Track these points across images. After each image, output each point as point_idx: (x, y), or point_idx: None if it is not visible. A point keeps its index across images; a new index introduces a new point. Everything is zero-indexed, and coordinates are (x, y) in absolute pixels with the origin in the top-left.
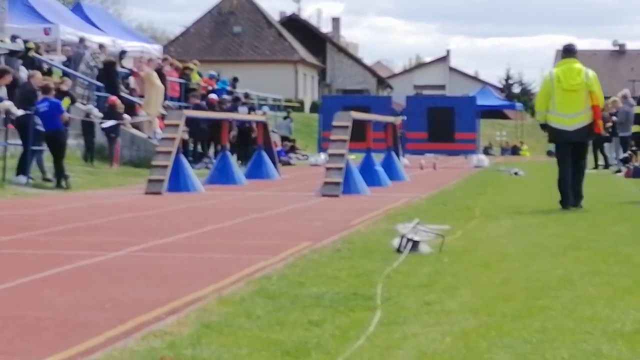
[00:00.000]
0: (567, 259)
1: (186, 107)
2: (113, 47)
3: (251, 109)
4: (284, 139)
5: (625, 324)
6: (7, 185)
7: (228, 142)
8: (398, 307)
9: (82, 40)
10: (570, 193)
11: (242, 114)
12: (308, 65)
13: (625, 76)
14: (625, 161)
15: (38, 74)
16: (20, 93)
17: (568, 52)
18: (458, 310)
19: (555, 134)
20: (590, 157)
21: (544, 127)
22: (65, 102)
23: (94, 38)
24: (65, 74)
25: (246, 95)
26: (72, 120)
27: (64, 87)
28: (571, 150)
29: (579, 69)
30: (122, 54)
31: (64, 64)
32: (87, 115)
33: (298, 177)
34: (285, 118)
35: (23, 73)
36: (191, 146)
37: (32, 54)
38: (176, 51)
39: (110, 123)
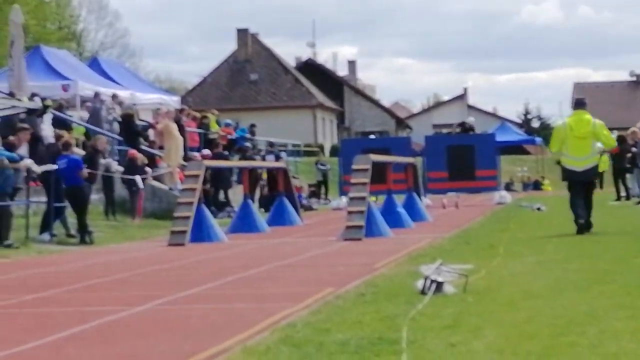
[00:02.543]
0: (591, 294)
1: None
2: (131, 100)
3: (277, 157)
4: (319, 183)
5: None
6: (31, 243)
7: (258, 192)
8: (423, 350)
9: (97, 94)
10: (582, 213)
11: (263, 162)
12: (326, 110)
13: None
14: None
15: (65, 134)
16: (47, 152)
17: (579, 105)
18: (483, 350)
19: (567, 174)
20: (613, 189)
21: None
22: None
23: (111, 92)
24: (89, 130)
25: (271, 145)
26: (96, 176)
27: (100, 147)
28: (581, 188)
29: (588, 119)
30: (134, 106)
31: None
32: (107, 169)
33: (320, 222)
34: (316, 163)
35: (45, 132)
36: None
37: (50, 111)
38: (194, 101)
39: (139, 179)
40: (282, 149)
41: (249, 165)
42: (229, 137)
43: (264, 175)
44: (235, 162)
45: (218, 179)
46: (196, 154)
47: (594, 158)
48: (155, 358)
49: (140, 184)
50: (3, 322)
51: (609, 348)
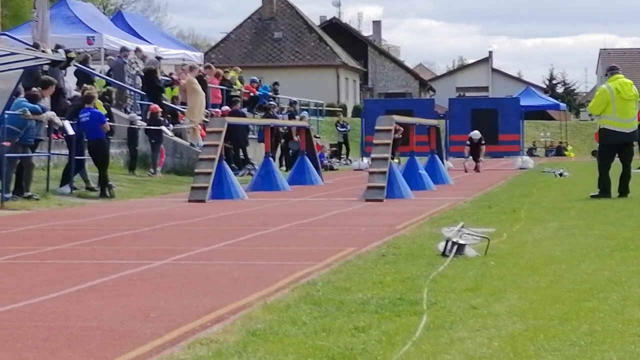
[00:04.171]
0: (614, 260)
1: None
2: (154, 54)
3: (291, 116)
4: (340, 144)
5: None
6: (52, 195)
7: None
8: (444, 312)
9: (123, 49)
10: (612, 188)
11: (283, 120)
12: (350, 70)
13: None
14: None
15: (93, 89)
16: (72, 105)
17: (615, 69)
18: (505, 314)
19: (613, 136)
20: (637, 157)
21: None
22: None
23: (135, 47)
24: (109, 83)
25: (291, 104)
26: (116, 129)
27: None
28: (620, 151)
29: (631, 82)
30: (159, 59)
31: (106, 73)
32: (131, 122)
33: (341, 182)
34: (336, 124)
35: (67, 84)
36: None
37: (74, 63)
38: (217, 58)
39: (176, 127)
40: (304, 108)
41: (271, 123)
42: (251, 94)
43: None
44: (253, 120)
45: (233, 137)
46: (218, 111)
47: (637, 120)
48: (175, 312)
49: (168, 132)
50: (24, 273)
51: (632, 314)
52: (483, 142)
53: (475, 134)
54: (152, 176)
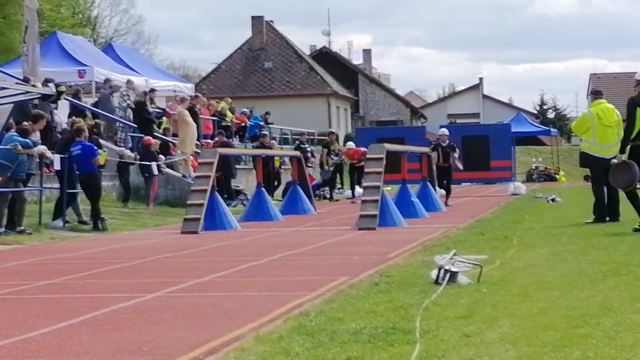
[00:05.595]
0: (606, 286)
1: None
2: (146, 87)
3: (326, 146)
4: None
5: None
6: (44, 229)
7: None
8: (437, 340)
9: (107, 80)
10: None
11: (276, 150)
12: (341, 98)
13: None
14: None
15: (82, 122)
16: (61, 139)
17: (599, 93)
18: (498, 341)
19: (596, 161)
20: None
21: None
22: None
23: (126, 79)
24: (96, 116)
25: (330, 134)
26: (107, 162)
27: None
28: (605, 175)
29: (613, 108)
30: (152, 92)
31: (93, 105)
32: (121, 156)
33: (334, 211)
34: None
35: (57, 118)
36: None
37: (64, 97)
38: (208, 89)
39: (154, 166)
40: (295, 137)
41: (262, 153)
42: (242, 124)
43: (277, 163)
44: (244, 150)
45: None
46: (209, 142)
47: (618, 145)
48: (168, 345)
49: (155, 171)
50: (16, 308)
51: (625, 340)
52: (456, 149)
53: (444, 131)
54: (145, 209)
